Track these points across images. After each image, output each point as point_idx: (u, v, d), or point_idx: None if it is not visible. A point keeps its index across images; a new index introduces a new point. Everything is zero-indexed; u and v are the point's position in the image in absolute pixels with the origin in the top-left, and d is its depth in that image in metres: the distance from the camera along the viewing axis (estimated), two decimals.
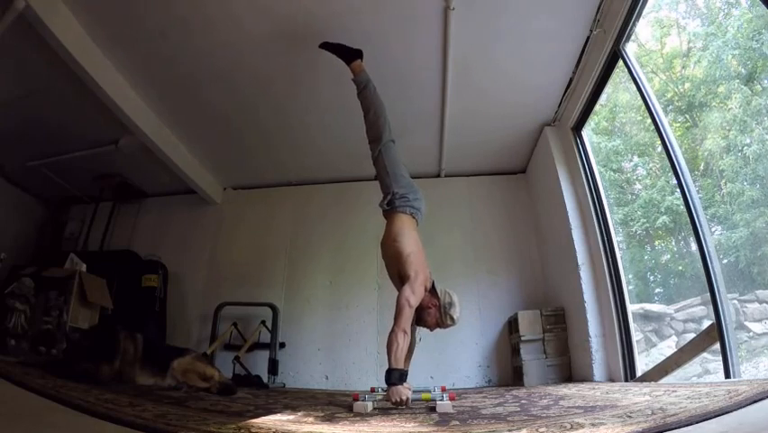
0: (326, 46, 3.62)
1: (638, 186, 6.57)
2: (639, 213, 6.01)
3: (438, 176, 5.96)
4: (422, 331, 3.31)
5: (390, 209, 3.26)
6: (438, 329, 3.18)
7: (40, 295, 4.11)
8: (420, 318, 3.10)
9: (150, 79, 4.28)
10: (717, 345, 2.72)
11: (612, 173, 6.42)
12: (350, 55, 3.60)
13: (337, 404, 2.81)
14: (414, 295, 2.87)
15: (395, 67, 4.12)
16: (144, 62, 4.07)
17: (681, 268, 6.09)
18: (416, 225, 3.29)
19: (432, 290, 3.10)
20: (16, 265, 4.64)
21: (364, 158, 5.20)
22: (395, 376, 2.62)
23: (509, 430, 1.56)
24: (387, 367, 2.66)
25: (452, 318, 3.05)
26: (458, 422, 1.86)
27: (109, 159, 5.50)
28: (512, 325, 4.76)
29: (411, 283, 2.91)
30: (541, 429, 1.54)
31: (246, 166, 5.93)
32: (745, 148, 4.54)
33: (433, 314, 3.05)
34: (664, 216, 5.60)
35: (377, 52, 3.87)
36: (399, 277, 3.04)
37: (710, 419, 1.44)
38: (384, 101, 4.34)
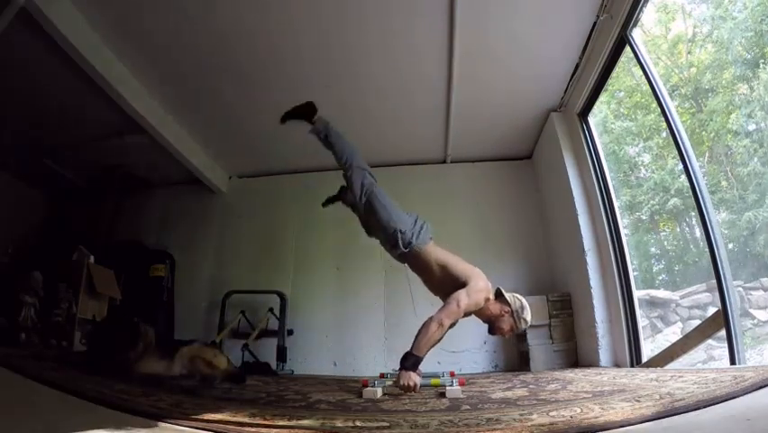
0: (287, 117, 3.52)
1: (644, 171, 6.57)
2: (649, 195, 6.01)
3: (444, 162, 5.94)
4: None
5: (410, 251, 3.11)
6: None
7: (49, 288, 4.14)
8: (495, 328, 3.10)
9: (152, 67, 4.26)
10: (723, 332, 2.74)
11: (625, 153, 6.42)
12: (309, 112, 3.48)
13: (347, 390, 2.85)
14: (467, 298, 2.87)
15: (401, 55, 4.11)
16: (146, 50, 4.05)
17: (686, 257, 6.11)
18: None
19: (500, 297, 3.10)
20: (24, 258, 4.68)
21: (371, 144, 5.18)
22: (410, 361, 2.66)
23: (520, 414, 1.59)
24: (402, 351, 2.72)
25: (525, 321, 3.07)
26: (468, 407, 1.89)
27: (114, 150, 5.51)
28: None
29: (468, 288, 2.91)
30: (552, 413, 1.56)
31: (251, 154, 5.93)
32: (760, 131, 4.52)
33: (507, 320, 3.05)
34: (676, 199, 5.59)
35: (384, 42, 3.88)
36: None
37: (718, 403, 1.46)
38: (391, 90, 4.34)
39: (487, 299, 3.02)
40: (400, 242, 3.09)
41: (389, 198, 3.26)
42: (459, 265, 3.08)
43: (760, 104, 4.58)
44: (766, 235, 4.62)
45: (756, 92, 4.63)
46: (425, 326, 2.74)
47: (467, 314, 3.00)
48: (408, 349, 2.73)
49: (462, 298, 2.85)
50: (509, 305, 3.05)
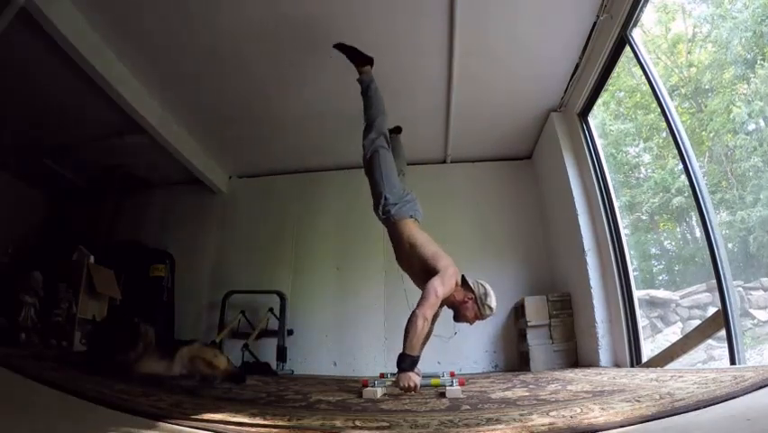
0: (340, 47, 3.64)
1: (644, 171, 6.57)
2: (649, 195, 6.02)
3: (444, 162, 5.94)
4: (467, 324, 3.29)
5: (388, 218, 3.22)
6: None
7: (49, 288, 4.14)
8: (459, 315, 3.11)
9: (152, 67, 4.24)
10: (723, 332, 2.73)
11: (623, 156, 6.43)
12: (363, 60, 3.63)
13: (347, 390, 2.85)
14: (443, 286, 2.87)
15: (401, 55, 4.11)
16: (146, 50, 4.04)
17: (686, 257, 6.11)
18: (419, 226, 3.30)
19: (464, 284, 3.10)
20: (24, 258, 4.68)
21: None
22: (407, 362, 2.65)
23: (520, 414, 1.59)
24: (400, 351, 2.69)
25: (489, 308, 3.06)
26: (468, 407, 1.89)
27: (114, 150, 5.50)
28: (519, 310, 4.79)
29: (441, 275, 2.91)
30: (551, 413, 1.56)
31: (251, 154, 5.92)
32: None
33: (470, 307, 3.05)
34: (679, 197, 5.60)
35: (384, 42, 3.87)
36: (428, 276, 2.99)
37: (718, 403, 1.46)
38: (391, 90, 4.34)
39: (456, 284, 3.03)
40: (381, 207, 3.22)
41: (391, 166, 3.37)
42: (428, 248, 3.09)
43: (758, 96, 4.59)
44: (761, 233, 4.62)
45: (753, 86, 4.64)
46: (411, 323, 2.71)
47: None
48: (401, 350, 2.71)
49: (438, 286, 2.85)
50: (473, 292, 3.06)
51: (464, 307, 3.06)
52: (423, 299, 2.81)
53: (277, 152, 5.85)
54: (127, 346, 2.98)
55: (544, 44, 4.02)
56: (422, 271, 3.04)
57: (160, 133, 4.84)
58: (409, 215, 3.22)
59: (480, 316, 3.09)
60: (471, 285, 3.08)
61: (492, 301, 3.06)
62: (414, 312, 2.75)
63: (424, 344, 3.11)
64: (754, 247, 4.70)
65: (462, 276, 3.13)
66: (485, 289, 3.07)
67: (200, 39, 3.90)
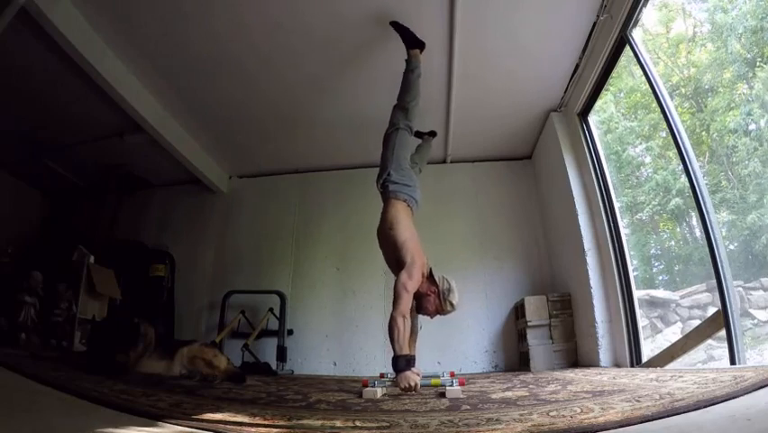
0: (396, 26, 3.71)
1: (645, 171, 6.56)
2: (650, 196, 6.01)
3: (444, 162, 5.93)
4: (428, 318, 3.31)
5: (385, 193, 3.30)
6: (439, 316, 3.21)
7: (49, 288, 4.14)
8: (420, 306, 3.12)
9: (152, 67, 4.24)
10: (723, 332, 2.73)
11: (628, 154, 6.43)
12: (414, 43, 3.71)
13: (347, 390, 2.85)
14: (411, 280, 2.89)
15: (400, 55, 4.10)
16: (146, 51, 4.04)
17: (686, 257, 6.10)
18: (412, 214, 3.32)
19: (430, 277, 3.11)
20: (24, 258, 4.68)
21: (372, 144, 5.22)
22: (401, 363, 2.65)
23: (520, 414, 1.59)
24: (392, 355, 2.69)
25: (451, 304, 3.06)
26: (468, 407, 1.89)
27: (114, 150, 5.51)
28: (518, 310, 4.79)
29: (408, 268, 2.93)
30: (552, 413, 1.56)
31: (252, 154, 5.93)
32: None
33: (432, 301, 3.07)
34: (677, 199, 5.60)
35: (383, 39, 3.87)
36: (396, 264, 3.05)
37: (718, 403, 1.46)
38: (390, 90, 4.35)
39: (423, 276, 3.05)
40: (382, 180, 3.31)
41: (405, 147, 3.47)
42: (402, 234, 3.10)
43: (759, 102, 4.59)
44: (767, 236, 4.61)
45: (755, 90, 4.63)
46: (392, 326, 2.72)
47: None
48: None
49: (406, 282, 2.87)
50: (437, 286, 3.07)
51: (426, 299, 3.08)
52: (395, 299, 2.83)
53: (277, 152, 5.85)
54: (127, 346, 2.99)
55: (545, 44, 4.03)
56: (393, 254, 3.09)
57: (160, 134, 4.84)
58: (403, 198, 3.26)
59: (440, 310, 3.10)
60: (437, 279, 3.09)
61: (454, 298, 3.07)
62: (391, 315, 2.76)
63: (413, 340, 3.17)
64: (760, 247, 4.69)
65: (430, 269, 3.15)
66: (449, 285, 3.08)
67: (201, 40, 3.91)
